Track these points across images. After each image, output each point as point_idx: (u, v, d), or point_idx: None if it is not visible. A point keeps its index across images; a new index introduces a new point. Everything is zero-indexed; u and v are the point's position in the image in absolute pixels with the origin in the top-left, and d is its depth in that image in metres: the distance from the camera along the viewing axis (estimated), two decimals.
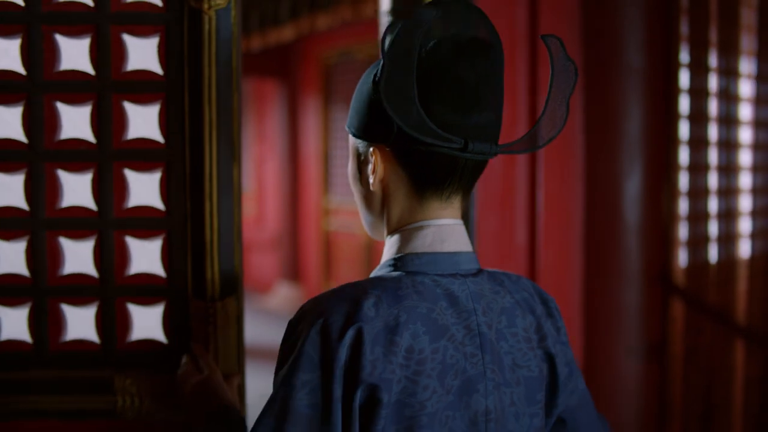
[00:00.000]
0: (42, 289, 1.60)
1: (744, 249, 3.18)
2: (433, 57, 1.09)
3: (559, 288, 3.10)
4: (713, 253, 3.11)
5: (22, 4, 1.55)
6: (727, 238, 3.09)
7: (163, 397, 1.60)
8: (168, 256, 1.60)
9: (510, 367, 1.14)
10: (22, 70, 1.56)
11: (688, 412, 3.16)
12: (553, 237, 3.04)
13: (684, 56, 3.14)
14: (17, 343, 1.61)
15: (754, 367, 3.00)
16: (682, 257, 3.18)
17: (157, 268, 1.61)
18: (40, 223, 1.59)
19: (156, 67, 1.58)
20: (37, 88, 1.56)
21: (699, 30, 3.07)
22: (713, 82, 3.12)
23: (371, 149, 1.16)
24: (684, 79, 3.14)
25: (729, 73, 3.06)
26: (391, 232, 1.19)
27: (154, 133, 1.60)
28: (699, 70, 3.09)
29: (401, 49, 1.03)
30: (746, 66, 3.24)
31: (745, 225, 3.19)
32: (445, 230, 1.15)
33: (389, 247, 1.18)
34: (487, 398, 1.11)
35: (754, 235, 3.05)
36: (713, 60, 3.12)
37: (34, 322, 1.61)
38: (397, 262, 1.15)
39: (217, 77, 1.56)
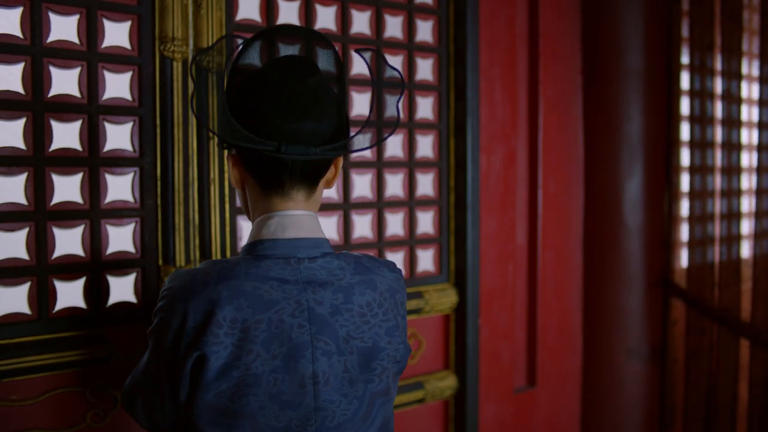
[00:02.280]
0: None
1: (746, 250, 3.17)
2: (263, 75, 1.32)
3: (559, 289, 3.10)
4: (715, 255, 3.10)
5: (22, 36, 1.85)
6: (729, 240, 3.08)
7: (143, 343, 1.99)
8: (141, 237, 2.02)
9: (344, 338, 1.29)
10: (23, 91, 1.86)
11: (690, 413, 3.14)
12: (553, 238, 3.04)
13: (685, 58, 3.14)
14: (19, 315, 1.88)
15: (758, 368, 2.98)
16: (683, 259, 3.17)
17: (130, 246, 2.03)
18: (41, 215, 1.89)
19: (129, 96, 2.01)
20: (37, 107, 1.87)
21: (700, 32, 3.07)
22: (715, 84, 3.11)
23: (226, 155, 1.44)
24: (685, 80, 3.14)
25: (731, 74, 3.06)
26: (252, 222, 1.42)
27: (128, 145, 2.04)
28: (700, 71, 3.09)
29: (203, 74, 1.40)
30: (748, 68, 3.23)
31: (747, 226, 3.18)
32: (288, 220, 1.33)
33: (249, 234, 1.39)
34: (314, 364, 1.26)
35: (756, 236, 3.03)
36: (715, 62, 3.11)
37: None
38: (249, 247, 1.34)
39: (183, 106, 2.04)
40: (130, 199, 2.01)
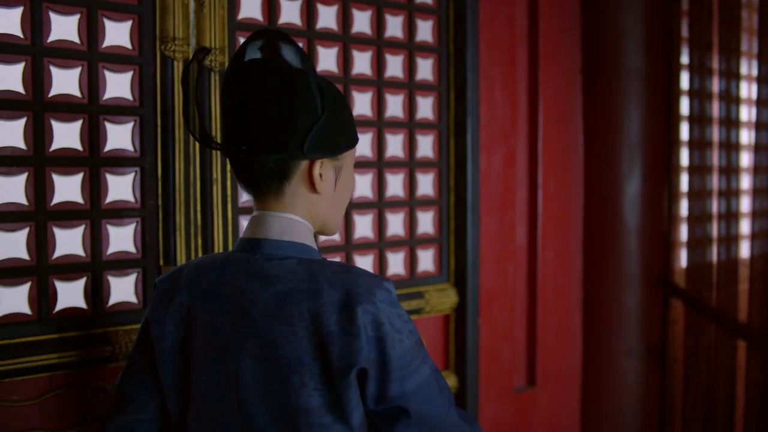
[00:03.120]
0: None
1: (744, 250, 3.17)
2: (224, 80, 1.36)
3: (559, 289, 3.10)
4: (714, 255, 3.10)
5: (22, 35, 1.85)
6: (728, 240, 3.08)
7: None
8: (142, 237, 2.03)
9: (271, 346, 1.26)
10: (23, 91, 1.85)
11: (689, 413, 3.15)
12: (553, 238, 3.04)
13: (684, 58, 3.14)
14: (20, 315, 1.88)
15: (756, 368, 2.99)
16: (682, 259, 3.17)
17: (131, 246, 2.03)
18: (41, 215, 1.88)
19: (130, 96, 2.01)
20: (38, 107, 1.87)
21: (700, 32, 3.07)
22: (714, 84, 3.11)
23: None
24: (684, 80, 3.14)
25: (730, 74, 3.06)
26: None
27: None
28: (699, 71, 3.09)
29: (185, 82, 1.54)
30: (747, 68, 3.23)
31: (745, 226, 3.18)
32: (255, 220, 1.37)
33: None
34: (238, 363, 1.28)
35: (754, 236, 3.03)
36: (714, 62, 3.12)
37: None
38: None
39: (184, 106, 1.88)
40: (131, 199, 2.00)
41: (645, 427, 3.19)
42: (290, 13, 2.30)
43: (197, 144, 2.08)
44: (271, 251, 1.33)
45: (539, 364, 3.01)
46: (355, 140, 1.42)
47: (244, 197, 2.20)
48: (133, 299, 2.01)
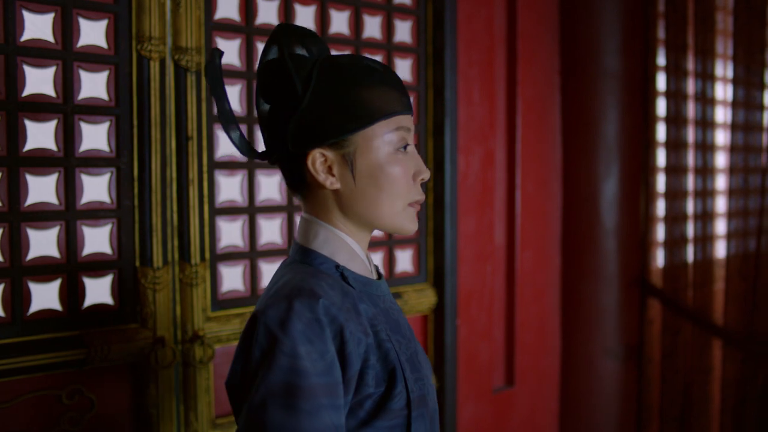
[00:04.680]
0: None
1: (720, 250, 3.20)
2: None
3: (537, 289, 3.12)
4: (690, 255, 3.13)
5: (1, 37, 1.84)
6: (704, 240, 3.11)
7: (120, 344, 1.99)
8: (118, 238, 2.01)
9: None
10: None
11: (665, 412, 3.17)
12: (532, 238, 3.06)
13: (661, 60, 3.16)
14: None
15: (731, 367, 3.02)
16: (659, 258, 3.20)
17: (107, 247, 2.01)
18: (15, 216, 1.86)
19: (105, 96, 2.00)
20: (11, 106, 1.85)
21: (676, 34, 3.10)
22: (690, 86, 3.14)
23: None
24: (661, 82, 3.16)
25: (705, 76, 3.09)
26: None
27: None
28: (676, 73, 3.11)
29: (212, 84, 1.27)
30: (722, 69, 3.27)
31: (721, 226, 3.21)
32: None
33: None
34: None
35: (730, 236, 3.06)
36: (690, 63, 3.14)
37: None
38: None
39: (160, 106, 2.04)
40: (106, 199, 1.99)
41: (622, 426, 3.21)
42: (267, 14, 2.30)
43: (173, 143, 2.07)
44: (291, 252, 1.29)
45: (517, 364, 3.02)
46: (366, 121, 1.20)
47: (221, 198, 2.19)
48: (109, 300, 1.99)
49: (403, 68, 2.63)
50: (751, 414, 2.88)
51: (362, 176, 1.21)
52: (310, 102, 1.18)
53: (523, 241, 3.01)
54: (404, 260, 2.64)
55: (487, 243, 2.84)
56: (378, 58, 2.55)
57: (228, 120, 1.25)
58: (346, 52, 2.46)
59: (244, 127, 2.24)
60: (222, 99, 1.24)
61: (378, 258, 2.56)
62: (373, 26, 2.55)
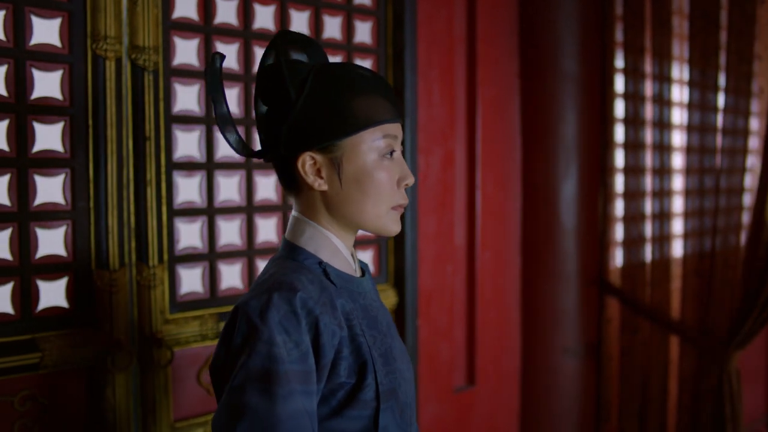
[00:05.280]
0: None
1: (677, 249, 3.25)
2: None
3: (498, 288, 3.14)
4: (648, 254, 3.18)
5: None
6: (661, 239, 3.16)
7: (75, 348, 1.96)
8: (73, 240, 1.97)
9: None
10: None
11: (624, 408, 3.22)
12: (492, 238, 3.08)
13: (619, 62, 3.21)
14: None
15: (688, 363, 3.07)
16: (617, 258, 3.24)
17: (62, 249, 1.97)
18: None
19: (59, 95, 1.96)
20: None
21: (633, 37, 3.14)
22: (647, 87, 3.19)
23: None
24: (619, 84, 3.21)
25: (662, 78, 3.14)
26: None
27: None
28: (633, 75, 3.16)
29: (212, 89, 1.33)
30: (678, 72, 3.32)
31: (677, 226, 3.27)
32: None
33: None
34: None
35: (686, 236, 3.12)
36: (647, 66, 3.19)
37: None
38: None
39: (116, 106, 2.01)
40: (61, 200, 1.95)
41: (583, 423, 3.25)
42: (226, 13, 2.28)
43: (131, 144, 2.04)
44: (280, 248, 1.37)
45: (478, 364, 3.04)
46: (354, 128, 1.26)
47: (180, 199, 2.17)
48: (63, 304, 1.96)
49: None
50: (706, 408, 2.94)
51: (348, 180, 1.28)
52: (302, 107, 1.25)
53: (484, 241, 3.03)
54: (365, 261, 2.64)
55: (448, 243, 2.85)
56: (337, 58, 2.55)
57: (225, 122, 1.32)
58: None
59: (202, 128, 2.22)
60: (220, 102, 1.31)
61: None
62: (333, 27, 2.55)
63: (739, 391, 2.89)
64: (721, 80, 2.97)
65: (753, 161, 3.36)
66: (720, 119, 2.95)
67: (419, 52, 2.72)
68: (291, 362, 1.15)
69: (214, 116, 1.34)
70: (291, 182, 1.32)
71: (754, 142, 3.38)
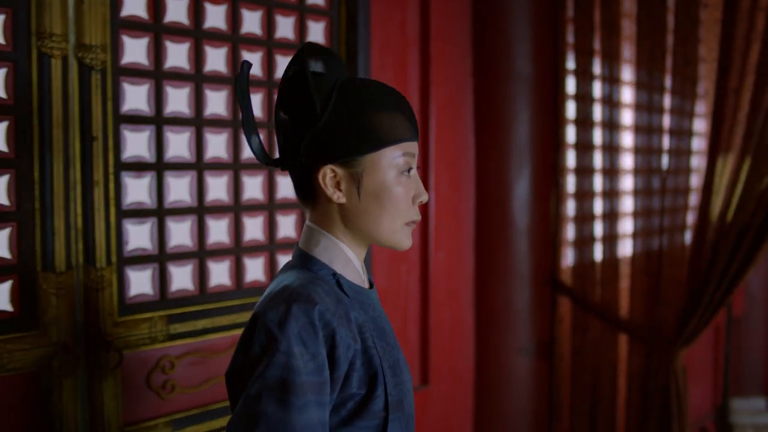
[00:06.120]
0: None
1: (626, 248, 3.31)
2: None
3: (452, 288, 3.16)
4: (598, 253, 3.23)
5: None
6: (611, 239, 3.22)
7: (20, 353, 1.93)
8: (18, 242, 1.93)
9: None
10: None
11: (575, 406, 3.26)
12: (446, 238, 3.09)
13: (570, 63, 3.25)
14: None
15: (636, 360, 3.13)
16: (569, 257, 3.28)
17: (5, 251, 1.92)
18: None
19: (3, 94, 1.91)
20: None
21: (584, 39, 3.19)
22: (597, 89, 3.24)
23: None
24: (570, 85, 3.25)
25: (612, 80, 3.19)
26: None
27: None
28: (584, 77, 3.20)
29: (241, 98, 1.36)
30: (627, 74, 3.38)
31: (627, 225, 3.33)
32: None
33: None
34: None
35: (635, 235, 3.18)
36: (597, 67, 3.24)
37: None
38: None
39: (63, 105, 1.98)
40: (5, 202, 1.91)
41: (535, 422, 3.28)
42: (177, 12, 2.25)
43: (77, 144, 2.01)
44: (292, 257, 1.40)
45: (432, 364, 3.05)
46: (377, 144, 1.29)
47: (129, 199, 2.14)
48: (8, 307, 1.92)
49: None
50: (654, 406, 2.99)
51: (367, 194, 1.31)
52: (327, 121, 1.28)
53: (437, 241, 3.05)
54: None
55: None
56: (290, 59, 2.54)
57: (251, 129, 1.35)
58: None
59: (152, 128, 2.19)
60: (248, 108, 1.34)
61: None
62: (285, 27, 2.54)
63: (685, 388, 2.96)
64: (668, 82, 3.03)
65: (698, 162, 3.43)
66: (666, 120, 3.01)
67: (373, 53, 2.72)
68: (307, 373, 1.18)
69: (241, 122, 1.36)
70: (308, 192, 1.35)
71: (698, 143, 3.46)
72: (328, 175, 1.30)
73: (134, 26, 2.14)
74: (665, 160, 3.03)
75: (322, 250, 1.34)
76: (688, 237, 3.09)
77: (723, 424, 4.56)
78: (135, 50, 2.16)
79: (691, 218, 3.09)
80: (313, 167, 1.31)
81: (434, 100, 3.02)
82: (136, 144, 2.16)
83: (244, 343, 1.25)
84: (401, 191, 1.32)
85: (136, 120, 2.16)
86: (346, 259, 1.35)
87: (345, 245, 1.35)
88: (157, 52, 2.21)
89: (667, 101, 3.04)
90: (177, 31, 2.24)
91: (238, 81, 1.34)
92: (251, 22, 2.44)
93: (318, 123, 1.28)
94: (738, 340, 4.87)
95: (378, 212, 1.32)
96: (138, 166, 2.16)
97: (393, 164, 1.31)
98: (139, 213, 2.17)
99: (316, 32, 2.61)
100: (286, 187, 2.54)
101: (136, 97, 2.16)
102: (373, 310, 1.37)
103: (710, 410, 4.64)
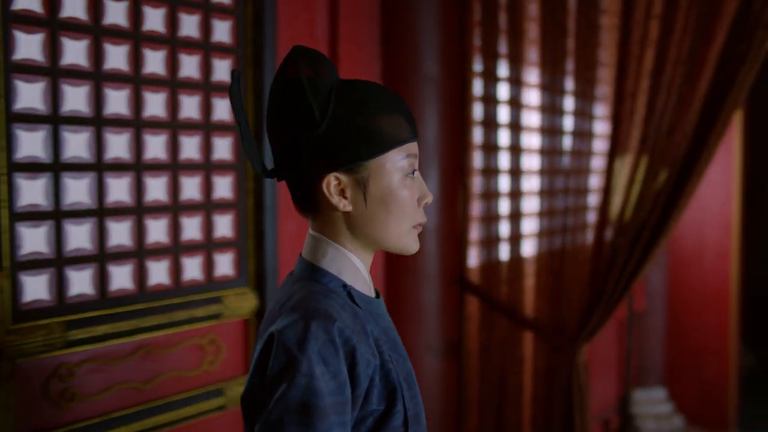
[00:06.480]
0: None
1: (530, 248, 3.40)
2: None
3: None
4: (504, 253, 3.30)
5: None
6: (516, 238, 3.29)
7: None
8: None
9: None
10: None
11: (483, 404, 3.32)
12: None
13: (477, 66, 3.31)
14: None
15: (541, 357, 3.21)
16: (476, 257, 3.34)
17: None
18: None
19: None
20: None
21: (490, 42, 3.25)
22: (503, 91, 3.31)
23: None
24: (478, 87, 3.31)
25: (517, 82, 3.26)
26: None
27: None
28: (490, 79, 3.26)
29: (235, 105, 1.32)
30: (533, 76, 3.46)
31: (531, 225, 3.41)
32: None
33: None
34: None
35: (539, 235, 3.26)
36: (503, 70, 3.31)
37: None
38: None
39: None
40: None
41: (445, 421, 3.32)
42: (74, 7, 2.18)
43: None
44: (296, 268, 1.35)
45: None
46: (381, 148, 1.26)
47: (22, 202, 2.06)
48: None
49: (223, 69, 2.58)
50: (558, 402, 3.08)
51: (374, 200, 1.28)
52: (327, 127, 1.24)
53: None
54: (224, 264, 2.59)
55: None
56: (195, 58, 2.49)
57: (251, 145, 1.30)
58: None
59: (48, 127, 2.11)
60: (246, 124, 1.30)
61: (196, 262, 2.50)
62: (190, 25, 2.49)
63: (586, 383, 3.05)
64: (570, 85, 3.12)
65: (598, 163, 3.55)
66: (569, 122, 3.10)
67: (280, 53, 2.70)
68: (330, 395, 1.14)
69: (241, 138, 1.31)
70: (309, 202, 1.30)
71: (599, 145, 3.58)
72: (332, 183, 1.26)
73: (27, 21, 2.06)
74: (568, 161, 3.11)
75: (330, 260, 1.30)
76: (590, 236, 3.19)
77: (625, 415, 4.73)
78: (29, 46, 2.08)
79: (592, 217, 3.20)
80: (315, 176, 1.26)
81: None
82: (31, 144, 2.08)
83: (259, 364, 1.19)
84: (407, 194, 1.30)
85: (30, 119, 2.08)
86: (354, 268, 1.32)
87: (352, 254, 1.32)
88: (53, 49, 2.13)
89: (569, 103, 3.13)
90: (74, 27, 2.17)
91: (233, 93, 1.29)
92: (154, 19, 2.38)
93: (318, 130, 1.24)
94: (640, 335, 5.06)
95: (385, 217, 1.29)
96: (32, 167, 2.08)
97: (398, 167, 1.28)
98: (34, 216, 2.09)
99: (222, 31, 2.58)
100: (191, 189, 2.49)
101: (29, 95, 2.08)
102: (384, 321, 1.33)
103: (615, 403, 4.81)
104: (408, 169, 1.30)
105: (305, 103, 1.23)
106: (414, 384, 1.31)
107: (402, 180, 1.29)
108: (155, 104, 2.38)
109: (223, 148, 2.58)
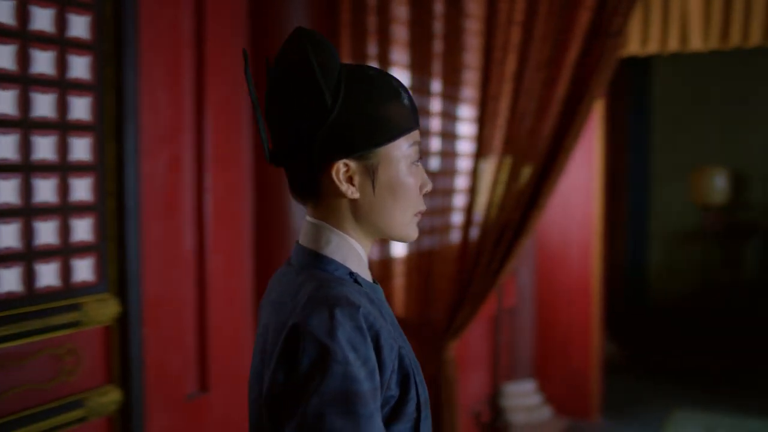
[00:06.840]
0: None
1: (400, 248, 3.45)
2: None
3: (230, 293, 3.12)
4: (375, 253, 3.33)
5: None
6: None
7: None
8: None
9: (263, 353, 1.27)
10: None
11: None
12: (223, 242, 3.05)
13: None
14: None
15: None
16: None
17: None
18: None
19: None
20: None
21: (359, 44, 3.28)
22: None
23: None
24: None
25: None
26: None
27: None
28: None
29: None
30: (402, 78, 3.51)
31: None
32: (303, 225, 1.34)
33: None
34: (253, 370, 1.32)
35: None
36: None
37: None
38: None
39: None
40: None
41: None
42: None
43: None
44: (296, 257, 1.32)
45: (212, 369, 2.99)
46: (392, 135, 1.25)
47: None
48: None
49: (81, 66, 2.48)
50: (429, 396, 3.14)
51: (382, 187, 1.27)
52: (338, 114, 1.22)
53: (214, 245, 2.99)
54: (83, 269, 2.49)
55: (176, 248, 2.78)
56: (50, 54, 2.38)
57: (262, 124, 1.32)
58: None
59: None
60: (256, 102, 1.31)
61: (52, 268, 2.39)
62: (44, 18, 2.37)
63: (454, 377, 3.13)
64: (438, 87, 3.19)
65: (464, 164, 3.64)
66: (433, 123, 3.16)
67: (142, 51, 2.62)
68: (365, 380, 1.12)
69: (256, 121, 1.32)
70: (311, 188, 1.28)
71: (465, 146, 3.67)
72: (341, 170, 1.25)
73: None
74: (436, 163, 3.18)
75: (335, 248, 1.28)
76: (456, 236, 3.27)
77: (496, 408, 4.88)
78: None
79: (458, 218, 3.28)
80: (323, 162, 1.25)
81: (210, 101, 2.96)
82: None
83: (284, 359, 1.16)
84: (413, 182, 1.29)
85: None
86: (358, 256, 1.30)
87: (355, 241, 1.30)
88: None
89: (437, 105, 3.19)
90: None
91: (246, 74, 1.29)
92: (1, 11, 2.26)
93: (329, 116, 1.22)
94: (512, 329, 5.24)
95: (392, 205, 1.28)
96: None
97: (405, 155, 1.28)
98: None
99: (80, 26, 2.47)
100: (46, 191, 2.37)
101: None
102: (386, 308, 1.33)
103: (486, 397, 4.96)
104: (414, 157, 1.30)
105: (317, 88, 1.22)
106: (420, 370, 1.31)
107: (408, 168, 1.29)
108: (3, 102, 2.25)
109: (81, 148, 2.48)
